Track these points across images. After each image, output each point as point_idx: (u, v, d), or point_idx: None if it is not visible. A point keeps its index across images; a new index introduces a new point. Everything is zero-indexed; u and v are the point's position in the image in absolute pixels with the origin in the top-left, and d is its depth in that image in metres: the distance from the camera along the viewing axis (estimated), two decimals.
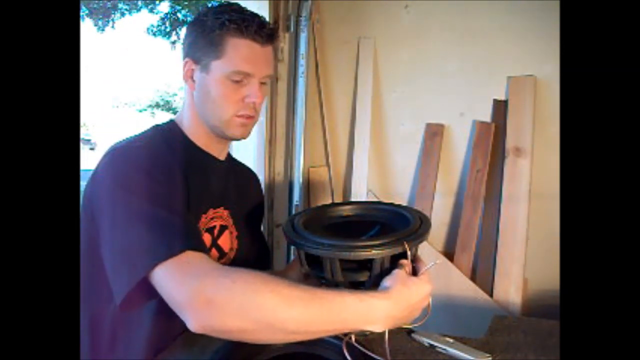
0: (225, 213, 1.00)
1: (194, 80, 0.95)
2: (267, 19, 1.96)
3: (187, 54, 0.96)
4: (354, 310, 0.71)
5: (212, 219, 0.96)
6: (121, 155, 0.86)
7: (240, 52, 0.91)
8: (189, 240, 0.77)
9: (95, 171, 0.86)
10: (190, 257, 0.74)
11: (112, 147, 0.89)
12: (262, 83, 0.95)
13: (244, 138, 0.99)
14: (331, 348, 0.83)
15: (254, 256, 1.13)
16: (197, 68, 0.94)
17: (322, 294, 0.72)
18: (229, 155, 1.08)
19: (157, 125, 0.99)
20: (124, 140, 0.92)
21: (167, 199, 0.81)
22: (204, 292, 0.69)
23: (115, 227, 0.78)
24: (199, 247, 0.78)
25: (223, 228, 0.99)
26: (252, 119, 0.96)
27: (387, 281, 0.76)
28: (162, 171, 0.85)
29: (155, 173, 0.83)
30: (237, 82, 0.92)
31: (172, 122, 1.00)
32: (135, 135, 0.94)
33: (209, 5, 1.01)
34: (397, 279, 0.76)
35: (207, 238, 0.95)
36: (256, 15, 0.94)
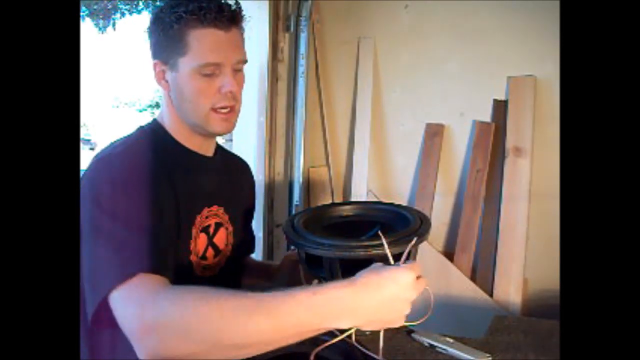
0: (220, 210, 0.99)
1: (167, 81, 0.92)
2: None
3: (154, 56, 0.92)
4: (308, 306, 0.65)
5: (206, 217, 0.95)
6: (96, 165, 0.84)
7: (204, 43, 0.86)
8: (144, 261, 0.74)
9: (80, 180, 0.83)
10: (141, 281, 0.71)
11: (97, 154, 0.86)
12: (236, 70, 0.91)
13: (228, 132, 0.96)
14: (331, 348, 0.83)
15: (246, 246, 1.14)
16: (167, 68, 0.91)
17: (270, 298, 0.66)
18: (218, 148, 1.04)
19: (142, 127, 0.96)
20: (108, 145, 0.90)
21: (130, 215, 0.77)
22: (144, 319, 0.67)
23: (83, 243, 0.76)
24: (154, 267, 0.74)
25: (218, 225, 0.98)
26: (232, 111, 0.92)
27: (359, 272, 0.71)
28: (132, 183, 0.81)
29: (124, 186, 0.79)
30: (208, 75, 0.88)
31: (155, 123, 0.96)
32: (120, 139, 0.91)
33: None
34: (369, 268, 0.71)
35: (203, 238, 0.94)
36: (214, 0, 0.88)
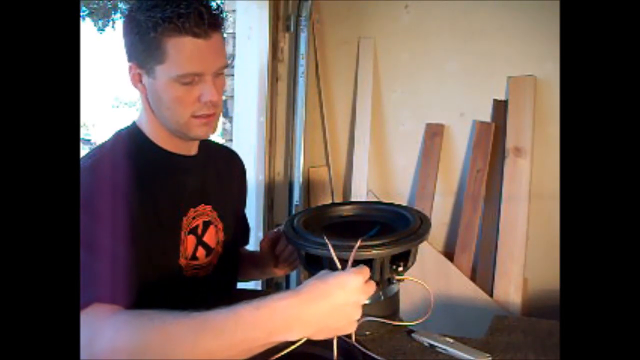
0: (208, 208, 0.97)
1: (143, 85, 0.89)
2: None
3: (129, 58, 0.88)
4: (253, 322, 0.64)
5: (193, 218, 0.94)
6: None
7: (182, 52, 0.82)
8: (99, 290, 0.72)
9: None
10: (94, 310, 0.70)
11: None
12: (217, 75, 0.88)
13: (210, 136, 0.94)
14: (331, 348, 0.83)
15: (239, 240, 1.13)
16: (143, 72, 0.87)
17: (213, 317, 0.65)
18: (203, 144, 1.00)
19: (119, 132, 0.94)
20: (84, 156, 0.88)
21: (91, 237, 0.75)
22: (93, 350, 0.66)
23: None
24: (109, 296, 0.73)
25: (207, 224, 0.97)
26: (212, 116, 0.90)
27: (305, 281, 0.69)
28: (97, 202, 0.78)
29: (89, 206, 0.76)
30: (187, 84, 0.85)
31: (134, 126, 0.94)
32: (95, 148, 0.90)
33: None
34: (315, 276, 0.69)
35: (191, 239, 0.93)
36: (193, 2, 0.83)
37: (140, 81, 0.89)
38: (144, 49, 0.84)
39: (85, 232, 0.71)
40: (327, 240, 0.76)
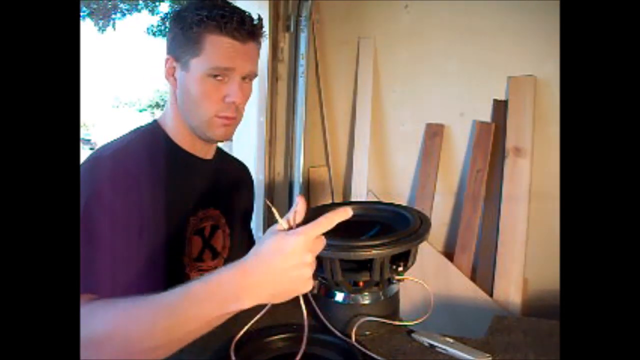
0: (216, 213, 0.99)
1: (175, 79, 0.93)
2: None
3: (168, 51, 0.93)
4: (203, 297, 0.64)
5: (201, 220, 0.95)
6: (86, 168, 0.84)
7: (219, 48, 0.88)
8: (87, 281, 0.74)
9: None
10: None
11: (91, 154, 0.87)
12: (244, 80, 0.92)
13: (227, 139, 0.96)
14: (331, 348, 0.83)
15: (244, 251, 1.13)
16: (178, 66, 0.92)
17: (167, 296, 0.65)
18: (218, 152, 1.04)
19: (139, 128, 0.96)
20: (103, 145, 0.90)
21: (94, 226, 0.77)
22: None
23: None
24: (89, 288, 0.74)
25: (214, 228, 0.98)
26: (233, 120, 0.93)
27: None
28: (106, 192, 0.81)
29: (98, 193, 0.80)
30: (216, 78, 0.89)
31: (155, 123, 0.97)
32: (114, 140, 0.91)
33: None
34: (263, 237, 0.68)
35: (197, 240, 0.94)
36: (238, 10, 0.90)
37: (173, 75, 0.93)
38: (183, 43, 0.89)
39: (88, 221, 0.74)
40: (268, 203, 0.75)
